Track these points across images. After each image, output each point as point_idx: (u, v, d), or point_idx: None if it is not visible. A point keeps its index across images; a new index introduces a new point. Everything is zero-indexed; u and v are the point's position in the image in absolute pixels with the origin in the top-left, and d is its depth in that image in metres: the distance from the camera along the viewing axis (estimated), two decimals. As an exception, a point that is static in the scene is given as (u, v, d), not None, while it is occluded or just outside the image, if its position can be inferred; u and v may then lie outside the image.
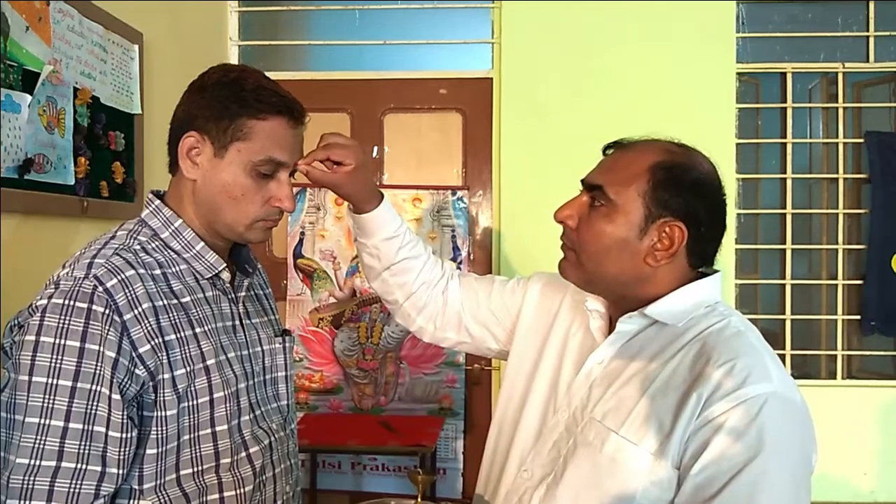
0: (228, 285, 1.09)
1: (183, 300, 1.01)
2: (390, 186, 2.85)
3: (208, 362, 1.00)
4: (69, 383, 0.88)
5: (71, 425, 0.88)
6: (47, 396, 0.88)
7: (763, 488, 0.87)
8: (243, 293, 1.12)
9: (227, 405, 1.01)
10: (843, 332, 2.85)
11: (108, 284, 0.92)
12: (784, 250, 2.87)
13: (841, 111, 2.85)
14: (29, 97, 1.60)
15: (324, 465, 2.78)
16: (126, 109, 2.06)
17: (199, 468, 0.99)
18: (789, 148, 2.86)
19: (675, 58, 2.72)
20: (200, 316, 1.02)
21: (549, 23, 2.76)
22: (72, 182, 1.78)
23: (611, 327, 1.08)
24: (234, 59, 2.95)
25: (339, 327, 2.79)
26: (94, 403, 0.89)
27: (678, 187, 0.99)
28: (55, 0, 1.71)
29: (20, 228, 1.62)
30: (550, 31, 2.76)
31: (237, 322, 1.10)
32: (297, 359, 2.78)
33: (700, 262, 1.05)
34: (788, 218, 2.86)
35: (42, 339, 0.89)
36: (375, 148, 2.94)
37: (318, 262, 2.79)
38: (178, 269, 1.03)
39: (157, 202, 1.06)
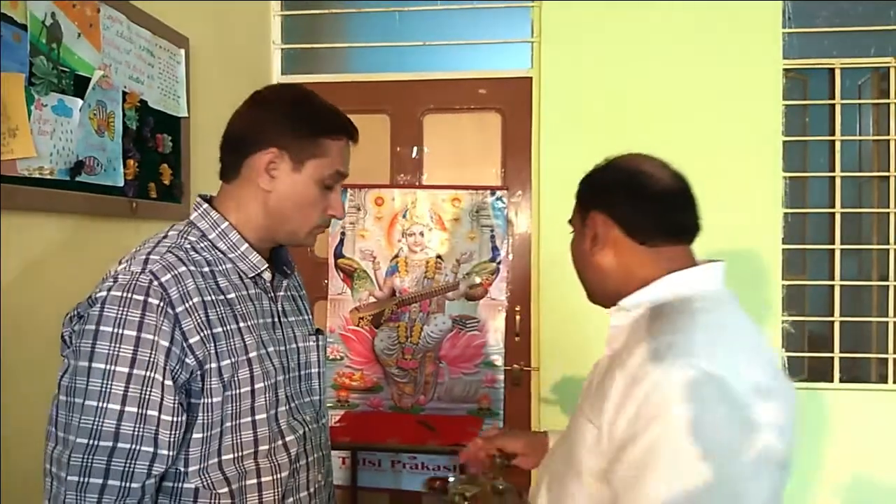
0: (269, 284, 1.16)
1: (228, 296, 1.07)
2: (429, 187, 2.87)
3: (251, 355, 1.06)
4: (126, 370, 0.94)
5: (127, 409, 0.94)
6: (106, 381, 0.94)
7: (658, 454, 0.87)
8: (282, 293, 1.19)
9: (266, 395, 1.07)
10: (894, 334, 2.77)
11: (163, 279, 0.99)
12: (833, 250, 2.79)
13: (892, 107, 2.76)
14: (80, 101, 1.66)
15: (364, 463, 2.81)
16: (173, 113, 2.11)
17: (240, 454, 1.05)
18: (837, 146, 2.79)
19: (720, 55, 2.67)
20: (244, 311, 1.09)
21: (589, 22, 2.74)
22: (121, 183, 1.84)
23: None
24: (276, 63, 2.99)
25: (379, 326, 2.81)
26: (149, 389, 0.95)
27: (588, 187, 1.16)
28: (105, 6, 1.76)
29: (72, 228, 1.68)
30: (591, 30, 2.74)
31: (276, 319, 1.16)
32: (338, 357, 2.81)
33: (648, 237, 1.06)
34: (837, 217, 2.78)
35: (101, 328, 0.95)
36: (415, 148, 2.95)
37: (359, 261, 2.82)
38: (224, 267, 1.10)
39: (205, 205, 1.13)
